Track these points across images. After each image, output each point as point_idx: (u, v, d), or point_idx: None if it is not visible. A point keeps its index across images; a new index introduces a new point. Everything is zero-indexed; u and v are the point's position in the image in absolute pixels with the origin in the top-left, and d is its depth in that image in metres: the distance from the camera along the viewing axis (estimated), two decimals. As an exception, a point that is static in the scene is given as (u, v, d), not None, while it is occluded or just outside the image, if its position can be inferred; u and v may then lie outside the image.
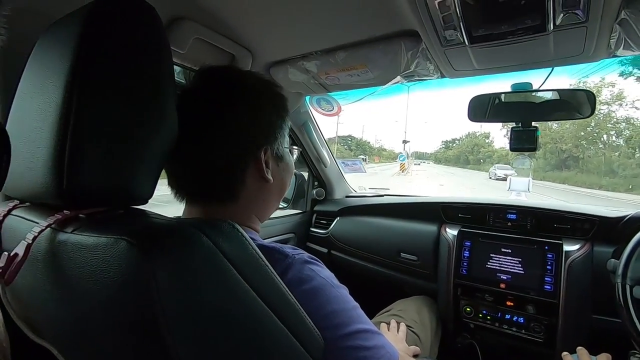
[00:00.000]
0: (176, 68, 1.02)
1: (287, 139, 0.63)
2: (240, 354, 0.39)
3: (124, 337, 0.37)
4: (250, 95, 0.56)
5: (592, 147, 24.85)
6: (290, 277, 0.49)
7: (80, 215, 0.42)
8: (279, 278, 0.44)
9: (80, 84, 0.38)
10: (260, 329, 0.41)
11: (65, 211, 0.41)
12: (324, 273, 0.53)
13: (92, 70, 0.39)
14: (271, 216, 0.68)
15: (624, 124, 23.95)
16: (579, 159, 24.58)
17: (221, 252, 0.38)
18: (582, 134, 25.40)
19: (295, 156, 0.68)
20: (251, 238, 0.43)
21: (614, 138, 24.50)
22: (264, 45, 1.00)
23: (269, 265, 0.43)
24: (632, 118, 23.56)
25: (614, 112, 23.63)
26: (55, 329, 0.46)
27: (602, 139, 24.76)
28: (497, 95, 1.04)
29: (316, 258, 0.54)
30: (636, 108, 21.73)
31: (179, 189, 0.58)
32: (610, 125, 24.45)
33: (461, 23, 0.71)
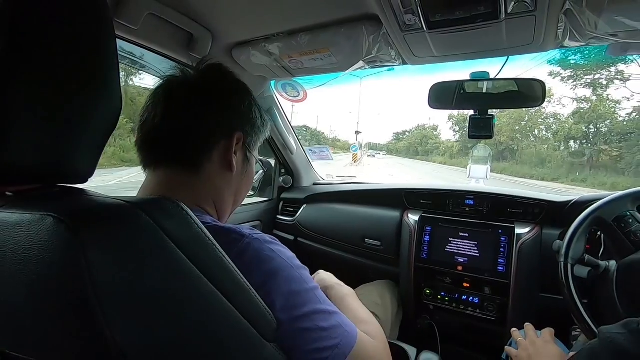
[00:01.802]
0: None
1: (257, 151, 0.67)
2: (185, 335, 0.37)
3: (54, 322, 0.34)
4: (239, 90, 0.62)
5: (525, 140, 26.40)
6: (248, 257, 0.47)
7: (7, 193, 0.39)
8: (227, 257, 0.42)
9: (3, 47, 0.34)
10: (207, 309, 0.39)
11: None
12: (285, 254, 0.52)
13: (18, 33, 0.35)
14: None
15: (552, 119, 25.77)
16: (514, 151, 25.99)
17: (162, 229, 0.36)
18: (517, 127, 26.84)
19: (258, 174, 0.70)
20: (205, 219, 0.41)
21: (544, 132, 26.32)
22: (225, 25, 0.96)
23: (217, 245, 0.41)
24: (559, 114, 25.46)
25: (544, 108, 25.29)
26: None
27: (534, 132, 26.47)
28: (457, 83, 1.07)
29: (276, 239, 0.53)
30: (562, 105, 23.56)
31: (149, 152, 0.58)
32: (540, 120, 26.15)
33: (419, 8, 0.71)
